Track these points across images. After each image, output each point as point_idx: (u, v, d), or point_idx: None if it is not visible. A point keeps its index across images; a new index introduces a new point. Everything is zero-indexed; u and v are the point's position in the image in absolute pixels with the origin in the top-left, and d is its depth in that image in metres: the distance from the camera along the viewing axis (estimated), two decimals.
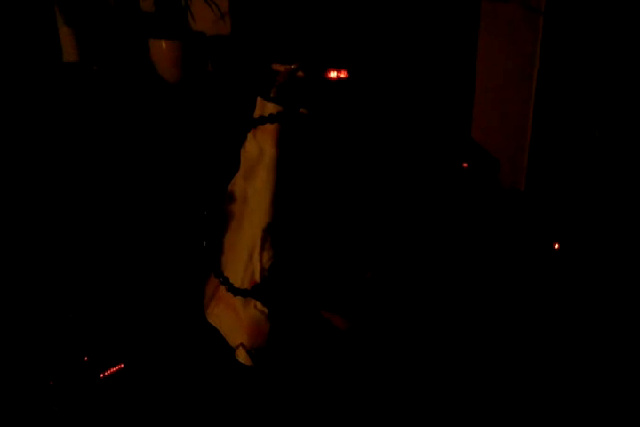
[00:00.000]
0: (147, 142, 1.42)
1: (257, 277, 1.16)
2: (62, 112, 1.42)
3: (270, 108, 1.13)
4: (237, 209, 1.23)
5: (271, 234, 1.15)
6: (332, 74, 1.17)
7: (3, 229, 1.33)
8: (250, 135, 1.18)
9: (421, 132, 1.33)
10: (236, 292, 1.16)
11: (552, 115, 1.44)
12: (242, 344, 1.16)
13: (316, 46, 1.44)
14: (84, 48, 1.60)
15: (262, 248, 1.15)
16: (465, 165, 1.29)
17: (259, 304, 1.16)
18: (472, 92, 1.51)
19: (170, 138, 1.42)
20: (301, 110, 1.12)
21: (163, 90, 1.51)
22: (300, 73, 1.16)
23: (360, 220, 1.21)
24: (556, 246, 1.30)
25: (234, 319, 1.19)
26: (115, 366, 1.14)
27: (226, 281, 1.18)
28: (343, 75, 1.17)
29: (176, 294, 1.30)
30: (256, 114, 1.17)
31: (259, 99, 1.16)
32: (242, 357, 1.16)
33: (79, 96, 1.47)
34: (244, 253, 1.17)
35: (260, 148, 1.15)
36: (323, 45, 1.44)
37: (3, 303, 1.25)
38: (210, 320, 1.25)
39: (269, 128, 1.13)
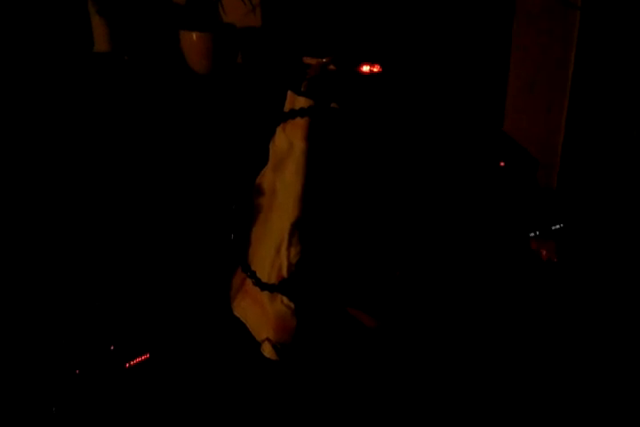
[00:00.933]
0: (176, 133, 1.42)
1: (284, 272, 1.15)
2: (93, 101, 1.43)
3: (301, 101, 1.12)
4: (265, 202, 1.22)
5: (299, 229, 1.14)
6: (365, 68, 1.15)
7: (36, 214, 1.34)
8: (279, 129, 1.17)
9: (455, 127, 1.31)
10: (263, 286, 1.16)
11: (588, 111, 1.40)
12: (268, 339, 1.16)
13: (348, 40, 1.43)
14: (116, 38, 1.60)
15: (290, 243, 1.14)
16: (502, 163, 1.26)
17: (285, 299, 1.15)
18: (505, 85, 1.48)
19: (199, 129, 1.42)
20: (332, 105, 1.11)
21: (192, 81, 1.51)
22: (331, 67, 1.14)
23: (391, 216, 1.20)
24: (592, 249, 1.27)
25: (260, 313, 1.19)
26: (140, 355, 1.15)
27: (253, 275, 1.18)
28: (376, 69, 1.15)
29: (203, 285, 1.31)
30: (286, 107, 1.16)
31: (289, 92, 1.15)
32: (267, 351, 1.16)
33: (110, 86, 1.47)
34: (271, 248, 1.16)
35: (289, 142, 1.14)
36: (355, 39, 1.43)
37: (30, 291, 1.27)
38: (236, 313, 1.25)
39: (300, 122, 1.12)
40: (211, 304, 1.29)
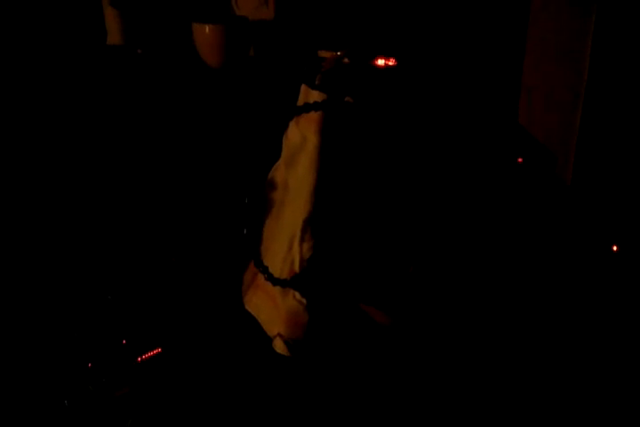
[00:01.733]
0: (188, 126, 1.41)
1: (296, 268, 1.14)
2: (106, 94, 1.42)
3: (315, 95, 1.10)
4: (278, 197, 1.21)
5: (311, 224, 1.13)
6: (380, 61, 1.14)
7: (51, 205, 1.34)
8: (292, 123, 1.15)
9: (471, 122, 1.29)
10: (275, 281, 1.16)
11: (606, 100, 1.36)
12: (279, 334, 1.16)
13: (363, 33, 1.41)
14: (129, 31, 1.59)
15: (302, 239, 1.13)
16: (520, 159, 1.23)
17: (297, 295, 1.15)
18: (519, 76, 1.45)
19: (211, 123, 1.41)
20: (347, 99, 1.10)
21: (204, 75, 1.50)
22: (346, 60, 1.13)
23: (405, 212, 1.19)
24: (615, 249, 1.24)
25: (272, 309, 1.18)
26: (152, 350, 1.15)
27: (265, 270, 1.18)
28: (391, 62, 1.13)
29: (215, 279, 1.30)
30: (300, 101, 1.14)
31: (303, 86, 1.14)
32: (279, 347, 1.15)
33: (123, 79, 1.46)
34: (283, 243, 1.15)
35: (302, 136, 1.13)
36: (371, 32, 1.41)
37: (43, 284, 1.27)
38: (247, 308, 1.25)
39: (313, 116, 1.10)
40: (223, 299, 1.28)
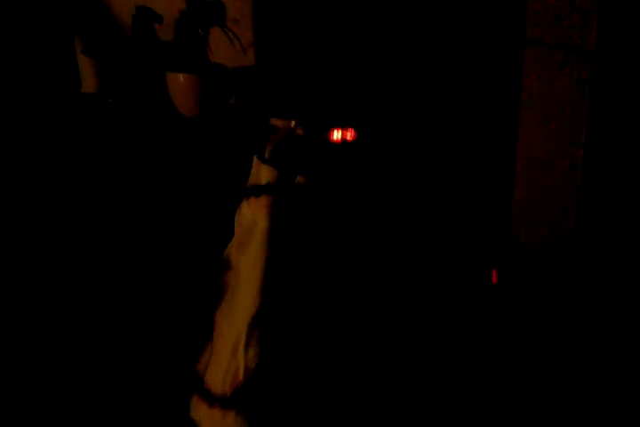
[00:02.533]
0: (154, 186, 1.29)
1: (240, 377, 0.99)
2: (75, 146, 1.34)
3: (264, 173, 0.99)
4: (230, 280, 1.06)
5: (259, 325, 0.96)
6: (337, 135, 0.95)
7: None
8: (244, 202, 1.03)
9: (442, 215, 1.09)
10: (212, 400, 0.99)
11: (605, 172, 1.19)
12: None
13: (321, 99, 1.21)
14: (103, 79, 1.50)
15: (248, 344, 0.98)
16: (494, 280, 1.03)
17: (240, 417, 0.97)
18: (514, 149, 1.23)
19: (179, 181, 1.28)
20: (299, 179, 0.94)
21: (178, 126, 1.37)
22: (299, 131, 0.96)
23: (368, 312, 0.99)
24: None
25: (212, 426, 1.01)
26: None
27: (200, 388, 1.00)
28: (349, 135, 0.95)
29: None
30: (251, 175, 1.02)
31: (255, 159, 1.02)
32: None
33: (91, 129, 1.38)
34: (227, 347, 1.01)
35: (253, 218, 1.01)
36: (328, 99, 1.21)
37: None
38: (192, 415, 1.08)
39: (262, 201, 0.99)
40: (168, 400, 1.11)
